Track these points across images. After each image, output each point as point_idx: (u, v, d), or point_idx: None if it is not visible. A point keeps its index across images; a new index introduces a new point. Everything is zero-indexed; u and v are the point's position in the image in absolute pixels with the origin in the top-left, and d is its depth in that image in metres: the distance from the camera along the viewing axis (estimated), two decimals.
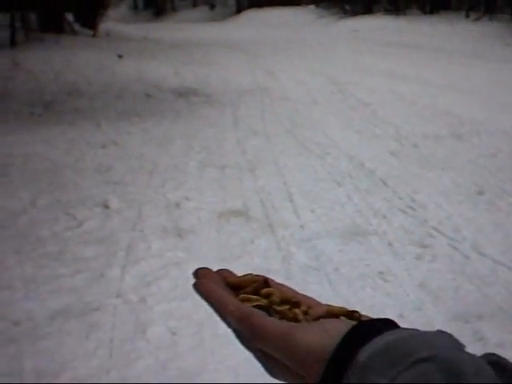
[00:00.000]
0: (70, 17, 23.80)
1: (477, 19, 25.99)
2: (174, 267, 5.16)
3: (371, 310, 4.60)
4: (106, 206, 6.44)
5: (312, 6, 37.73)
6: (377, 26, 26.76)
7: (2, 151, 8.32)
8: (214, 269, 0.91)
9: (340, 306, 0.80)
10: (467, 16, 26.74)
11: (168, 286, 4.85)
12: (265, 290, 0.84)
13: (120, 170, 7.81)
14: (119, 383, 3.68)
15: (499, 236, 5.82)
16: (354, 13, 32.20)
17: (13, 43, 17.43)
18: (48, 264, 5.13)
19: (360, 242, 5.64)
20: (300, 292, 0.87)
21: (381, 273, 5.15)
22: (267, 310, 0.79)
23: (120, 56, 18.25)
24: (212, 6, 46.51)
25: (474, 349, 0.64)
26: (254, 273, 0.91)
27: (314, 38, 25.44)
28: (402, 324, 0.69)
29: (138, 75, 15.65)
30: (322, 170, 7.85)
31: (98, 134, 9.60)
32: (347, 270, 5.20)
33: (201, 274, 0.92)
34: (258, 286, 0.85)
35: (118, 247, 5.50)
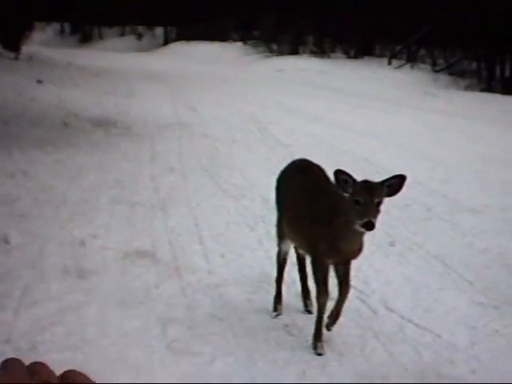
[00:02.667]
0: None
1: (399, 67, 26.49)
2: (71, 312, 4.92)
3: (274, 365, 4.46)
4: (6, 241, 6.16)
5: (239, 43, 37.89)
6: (302, 66, 26.99)
7: None
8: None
9: None
10: (390, 63, 27.23)
11: (63, 333, 4.61)
12: None
13: (27, 202, 7.53)
14: None
15: (408, 290, 5.76)
16: (281, 52, 32.46)
17: None
18: None
19: (268, 292, 5.50)
20: None
21: (286, 326, 5.02)
22: None
23: (40, 81, 17.88)
24: (139, 36, 46.29)
25: None
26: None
27: (239, 75, 25.48)
28: None
29: (58, 102, 15.34)
30: (235, 213, 7.72)
31: (8, 162, 9.28)
32: (253, 322, 5.05)
33: (7, 367, 0.82)
34: None
35: (14, 287, 5.23)
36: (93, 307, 5.05)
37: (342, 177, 4.25)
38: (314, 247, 4.60)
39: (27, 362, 0.84)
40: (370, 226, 4.10)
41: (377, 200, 4.17)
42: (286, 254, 5.27)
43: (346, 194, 4.28)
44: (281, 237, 5.18)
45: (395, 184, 4.28)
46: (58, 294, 5.19)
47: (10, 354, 4.25)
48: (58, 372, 0.85)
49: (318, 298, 4.66)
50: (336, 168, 4.27)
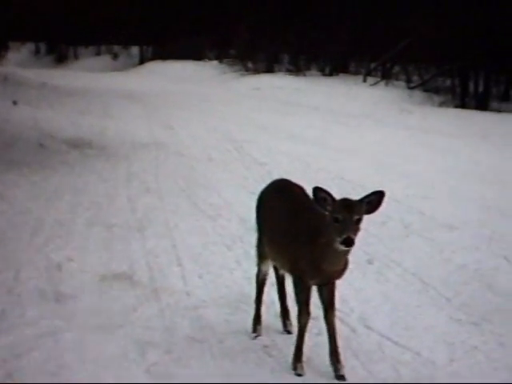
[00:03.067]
0: None
1: (374, 84, 26.64)
2: (48, 337, 4.87)
3: None
4: None
5: (215, 62, 37.96)
6: (277, 84, 27.05)
7: None
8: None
9: None
10: (365, 80, 27.37)
11: (40, 358, 4.55)
12: None
13: (2, 226, 7.47)
14: None
15: (387, 308, 5.76)
16: (256, 71, 32.54)
17: None
18: None
19: (247, 312, 5.47)
20: None
21: (266, 346, 4.99)
22: None
23: (15, 102, 17.80)
24: (115, 56, 46.24)
25: None
26: None
27: (215, 94, 25.52)
28: None
29: (33, 123, 15.27)
30: (212, 233, 7.70)
31: None
32: (232, 343, 5.02)
33: None
34: None
35: None
36: (70, 332, 5.00)
37: (320, 194, 4.26)
38: (296, 267, 4.59)
39: None
40: (349, 243, 4.11)
41: (356, 217, 4.18)
42: (266, 274, 5.26)
43: (326, 212, 4.29)
44: (261, 257, 5.16)
45: (374, 200, 4.29)
46: (34, 319, 5.14)
47: None
48: None
49: (299, 318, 4.65)
50: (314, 186, 4.28)
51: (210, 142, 13.99)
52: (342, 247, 4.17)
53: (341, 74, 29.56)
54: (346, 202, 4.25)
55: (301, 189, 5.01)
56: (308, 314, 4.63)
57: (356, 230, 4.18)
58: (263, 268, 5.22)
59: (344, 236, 4.11)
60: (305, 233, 4.55)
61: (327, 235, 4.28)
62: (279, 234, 4.80)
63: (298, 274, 4.61)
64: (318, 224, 4.46)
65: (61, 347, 4.77)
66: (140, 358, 4.69)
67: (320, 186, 4.29)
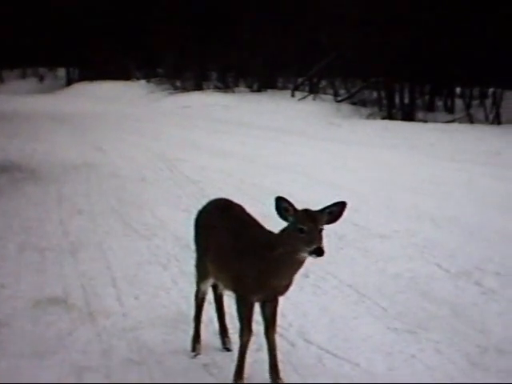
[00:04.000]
0: None
1: (302, 98, 26.92)
2: None
3: None
4: None
5: (143, 81, 37.86)
6: (207, 102, 27.12)
7: None
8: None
9: None
10: (293, 95, 27.66)
11: None
12: None
13: None
14: None
15: (325, 321, 5.78)
16: (185, 89, 32.56)
17: None
18: None
19: (185, 331, 5.42)
20: None
21: (206, 365, 4.96)
22: None
23: None
24: (41, 78, 45.70)
25: None
26: None
27: (144, 113, 25.42)
28: None
29: None
30: (147, 253, 7.63)
31: None
32: (171, 363, 4.97)
33: None
34: None
35: None
36: (5, 360, 4.88)
37: (282, 204, 4.25)
38: (241, 284, 4.57)
39: None
40: (320, 252, 4.10)
41: (320, 227, 4.19)
42: (205, 293, 5.22)
43: (286, 222, 4.28)
44: (201, 276, 5.11)
45: (336, 211, 4.32)
46: None
47: None
48: None
49: (241, 336, 4.62)
50: (276, 195, 4.26)
51: (142, 162, 13.91)
52: (313, 257, 4.15)
53: (269, 90, 29.82)
54: (309, 212, 4.25)
55: (240, 207, 5.00)
56: (250, 331, 4.61)
57: (321, 239, 4.18)
58: (202, 287, 5.18)
59: (314, 246, 4.10)
60: (251, 249, 4.53)
61: (286, 247, 4.27)
62: (223, 252, 4.77)
63: (242, 292, 4.58)
64: (267, 238, 4.46)
65: None
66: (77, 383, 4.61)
67: (282, 195, 4.28)
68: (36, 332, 5.41)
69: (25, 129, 19.54)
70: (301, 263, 4.35)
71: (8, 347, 5.12)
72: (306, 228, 4.16)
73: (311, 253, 4.12)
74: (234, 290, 4.69)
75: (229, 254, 4.69)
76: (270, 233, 4.47)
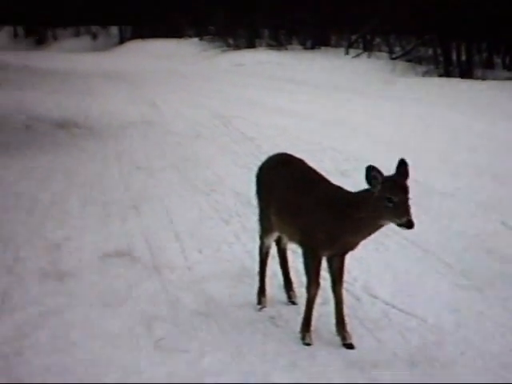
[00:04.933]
0: None
1: (356, 56, 26.61)
2: (53, 315, 4.84)
3: (263, 357, 4.42)
4: None
5: (196, 39, 37.76)
6: (260, 60, 26.97)
7: None
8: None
9: None
10: (347, 53, 27.34)
11: (48, 336, 4.53)
12: None
13: None
14: None
15: (388, 277, 5.76)
16: (238, 46, 32.41)
17: None
18: None
19: (250, 285, 5.46)
20: None
21: (272, 318, 4.99)
22: None
23: None
24: (94, 36, 45.89)
25: None
26: None
27: (198, 71, 25.41)
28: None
29: (18, 106, 15.12)
30: (208, 208, 7.67)
31: None
32: (238, 316, 5.01)
33: None
34: None
35: None
36: (75, 309, 4.97)
37: (373, 173, 4.20)
38: (310, 238, 4.56)
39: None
40: (410, 225, 4.11)
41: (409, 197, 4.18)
42: (269, 247, 5.23)
43: (375, 191, 4.24)
44: (265, 230, 5.12)
45: (405, 172, 4.31)
46: (38, 298, 5.10)
47: None
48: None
49: (308, 289, 4.64)
50: (368, 164, 4.22)
51: (197, 119, 13.93)
52: (402, 228, 4.16)
53: (322, 48, 29.50)
54: (400, 182, 4.22)
55: (302, 161, 4.98)
56: (318, 284, 4.61)
57: (410, 211, 4.17)
58: (266, 241, 5.19)
59: (404, 219, 4.11)
60: (325, 204, 4.51)
61: (373, 213, 4.25)
62: (290, 205, 4.75)
63: (311, 245, 4.58)
64: (345, 196, 4.44)
65: (67, 325, 4.74)
66: (147, 332, 4.67)
67: (373, 164, 4.25)
68: (104, 283, 5.49)
69: (80, 86, 19.68)
70: (381, 227, 4.35)
71: (77, 298, 5.20)
72: (398, 199, 4.15)
73: (401, 225, 4.12)
74: (302, 244, 4.69)
75: (297, 208, 4.68)
76: (347, 192, 4.46)
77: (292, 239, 4.89)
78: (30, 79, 20.22)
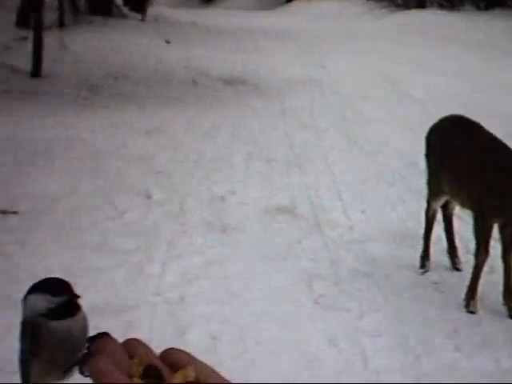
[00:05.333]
0: (118, 0, 23.69)
1: None
2: (216, 266, 4.93)
3: (424, 322, 4.32)
4: (149, 197, 6.23)
5: None
6: (430, 20, 26.19)
7: (45, 134, 8.16)
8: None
9: None
10: None
11: (209, 286, 4.62)
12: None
13: (163, 159, 7.60)
14: None
15: None
16: (406, 6, 31.64)
17: (61, 25, 17.32)
18: (86, 255, 4.94)
19: (412, 248, 5.33)
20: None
21: (435, 283, 4.86)
22: None
23: (168, 41, 18.08)
24: None
25: None
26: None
27: (364, 31, 25.02)
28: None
29: (186, 61, 15.45)
30: (372, 169, 7.55)
31: (142, 120, 9.39)
32: (399, 278, 4.92)
33: (101, 346, 0.79)
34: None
35: (160, 240, 5.28)
36: (237, 262, 5.04)
37: None
38: (483, 204, 4.40)
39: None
40: None
41: None
42: (436, 211, 5.09)
43: None
44: (434, 194, 4.97)
45: None
46: (201, 248, 5.21)
47: (161, 305, 4.29)
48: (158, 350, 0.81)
49: (476, 256, 4.48)
50: None
51: (364, 79, 13.72)
52: None
53: (497, 8, 28.28)
54: None
55: (479, 125, 4.78)
56: (487, 252, 4.45)
57: None
58: (434, 205, 5.04)
59: None
60: (502, 170, 4.33)
61: None
62: (464, 170, 4.59)
63: (483, 212, 4.42)
64: None
65: (228, 275, 4.82)
66: (307, 288, 4.67)
67: None
68: (266, 238, 5.54)
69: (247, 43, 19.84)
70: None
71: (239, 249, 5.27)
72: None
73: None
74: (474, 210, 4.52)
75: (471, 173, 4.51)
76: None
77: (463, 205, 4.72)
78: (198, 36, 20.59)
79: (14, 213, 5.55)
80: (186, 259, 4.99)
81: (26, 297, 0.89)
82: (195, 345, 3.88)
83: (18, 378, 3.23)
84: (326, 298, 4.55)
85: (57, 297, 0.87)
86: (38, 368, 0.90)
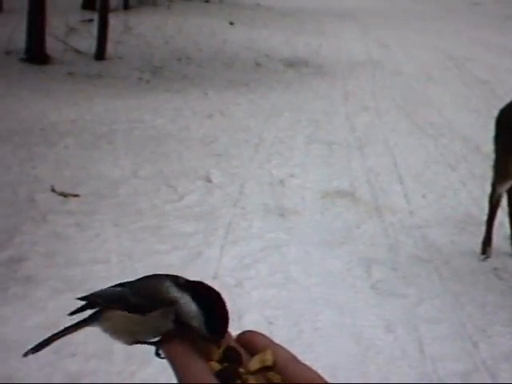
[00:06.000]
0: None
1: None
2: (274, 250, 4.93)
3: (483, 309, 4.26)
4: (209, 180, 6.27)
5: None
6: (499, 0, 25.65)
7: (108, 116, 8.27)
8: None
9: None
10: None
11: (267, 270, 4.63)
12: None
13: (224, 142, 7.62)
14: None
15: None
16: None
17: (126, 7, 17.49)
18: (145, 238, 4.99)
19: (473, 234, 5.26)
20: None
21: (495, 269, 4.78)
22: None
23: (232, 23, 18.09)
24: None
25: None
26: None
27: (429, 11, 24.61)
28: None
29: (249, 43, 15.44)
30: (434, 152, 7.46)
31: (204, 102, 9.44)
32: (459, 264, 4.85)
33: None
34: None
35: (218, 224, 5.31)
36: (295, 246, 5.04)
37: None
38: None
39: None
40: None
41: None
42: (501, 196, 5.00)
43: None
44: (501, 177, 4.88)
45: None
46: (260, 232, 5.22)
47: (219, 289, 4.31)
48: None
49: None
50: None
51: (427, 60, 13.52)
52: None
53: None
54: None
55: None
56: None
57: None
58: (499, 189, 4.94)
59: None
60: None
61: None
62: None
63: None
64: None
65: (286, 260, 4.82)
66: (365, 274, 4.65)
67: None
68: (324, 222, 5.52)
69: (310, 25, 19.70)
70: None
71: (297, 234, 5.27)
72: None
73: None
74: None
75: None
76: None
77: None
78: (262, 17, 20.53)
79: (76, 196, 5.65)
80: (244, 243, 5.00)
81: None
82: (252, 329, 3.90)
83: (71, 362, 3.30)
84: (384, 284, 4.51)
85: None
86: None
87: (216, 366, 0.73)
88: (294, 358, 0.75)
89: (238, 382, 0.71)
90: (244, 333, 0.78)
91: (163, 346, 0.75)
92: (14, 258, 4.59)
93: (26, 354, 0.91)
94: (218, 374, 0.71)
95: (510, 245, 5.07)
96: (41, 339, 0.91)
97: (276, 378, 0.72)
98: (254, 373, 0.73)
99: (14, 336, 3.65)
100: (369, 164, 6.96)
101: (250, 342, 0.76)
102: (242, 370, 0.73)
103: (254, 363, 0.74)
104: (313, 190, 6.21)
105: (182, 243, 4.94)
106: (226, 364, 0.73)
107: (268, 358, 0.75)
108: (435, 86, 11.13)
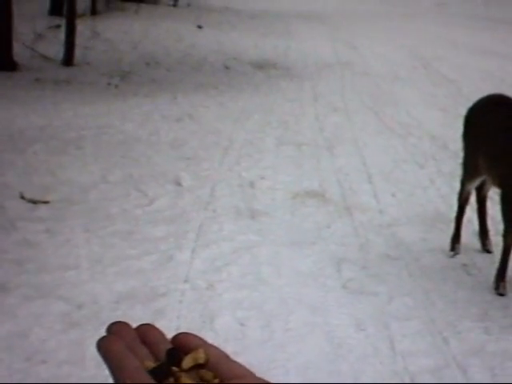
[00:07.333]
0: None
1: None
2: (245, 252, 4.94)
3: (453, 305, 4.31)
4: (179, 184, 6.26)
5: None
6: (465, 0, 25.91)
7: (76, 122, 8.22)
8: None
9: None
10: None
11: (238, 272, 4.64)
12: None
13: (194, 146, 7.62)
14: None
15: None
16: None
17: (93, 12, 17.40)
18: (116, 244, 4.98)
19: (443, 231, 5.31)
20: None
21: (465, 265, 4.83)
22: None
23: (200, 27, 18.08)
24: None
25: None
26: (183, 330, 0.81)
27: (395, 11, 24.78)
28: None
29: (218, 46, 15.44)
30: (403, 151, 7.51)
31: (173, 106, 9.43)
32: (428, 261, 4.90)
33: (114, 330, 0.78)
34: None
35: (189, 228, 5.31)
36: (265, 247, 5.05)
37: None
38: None
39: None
40: None
41: None
42: (470, 193, 5.04)
43: None
44: (470, 175, 4.91)
45: None
46: (231, 235, 5.23)
47: (190, 292, 4.32)
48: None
49: (505, 237, 4.45)
50: None
51: (395, 60, 13.62)
52: None
53: None
54: None
55: None
56: None
57: None
58: (468, 186, 4.99)
59: None
60: None
61: None
62: (503, 149, 4.53)
63: None
64: None
65: (257, 261, 4.83)
66: (336, 273, 4.68)
67: None
68: (295, 222, 5.54)
69: (278, 27, 19.75)
70: None
71: (268, 235, 5.29)
72: None
73: None
74: (503, 189, 4.47)
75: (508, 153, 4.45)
76: None
77: (501, 185, 4.65)
78: (230, 21, 20.55)
79: (45, 202, 5.62)
80: (215, 246, 5.01)
81: None
82: (223, 331, 3.92)
83: (43, 369, 3.28)
84: (355, 283, 4.54)
85: None
86: None
87: (150, 364, 0.75)
88: (227, 357, 0.77)
89: (171, 379, 0.73)
90: (178, 334, 0.80)
91: (99, 344, 0.77)
92: None
93: None
94: (151, 372, 0.73)
95: (479, 241, 5.13)
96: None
97: (208, 375, 0.74)
98: (187, 371, 0.75)
99: None
100: (338, 164, 7.00)
101: (184, 343, 0.78)
102: (175, 368, 0.74)
103: (187, 361, 0.76)
104: (283, 191, 6.24)
105: (152, 247, 4.94)
106: (159, 362, 0.75)
107: (201, 356, 0.76)
108: (403, 85, 11.21)
